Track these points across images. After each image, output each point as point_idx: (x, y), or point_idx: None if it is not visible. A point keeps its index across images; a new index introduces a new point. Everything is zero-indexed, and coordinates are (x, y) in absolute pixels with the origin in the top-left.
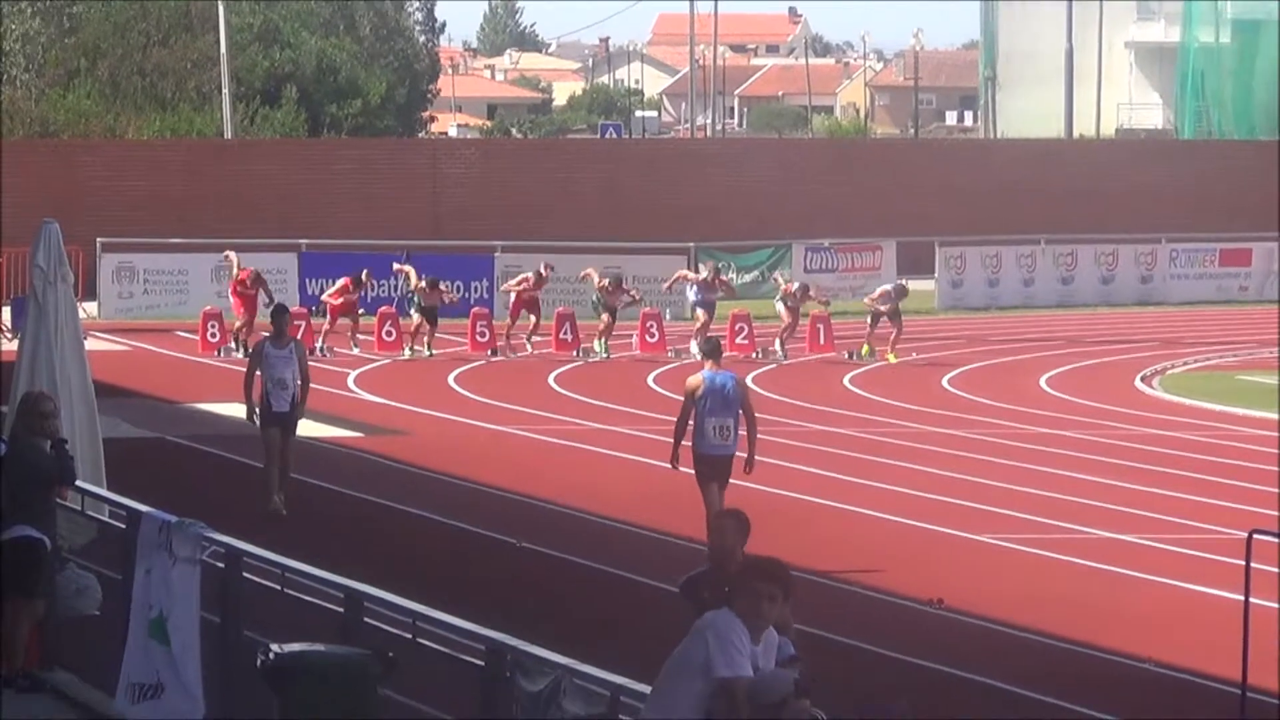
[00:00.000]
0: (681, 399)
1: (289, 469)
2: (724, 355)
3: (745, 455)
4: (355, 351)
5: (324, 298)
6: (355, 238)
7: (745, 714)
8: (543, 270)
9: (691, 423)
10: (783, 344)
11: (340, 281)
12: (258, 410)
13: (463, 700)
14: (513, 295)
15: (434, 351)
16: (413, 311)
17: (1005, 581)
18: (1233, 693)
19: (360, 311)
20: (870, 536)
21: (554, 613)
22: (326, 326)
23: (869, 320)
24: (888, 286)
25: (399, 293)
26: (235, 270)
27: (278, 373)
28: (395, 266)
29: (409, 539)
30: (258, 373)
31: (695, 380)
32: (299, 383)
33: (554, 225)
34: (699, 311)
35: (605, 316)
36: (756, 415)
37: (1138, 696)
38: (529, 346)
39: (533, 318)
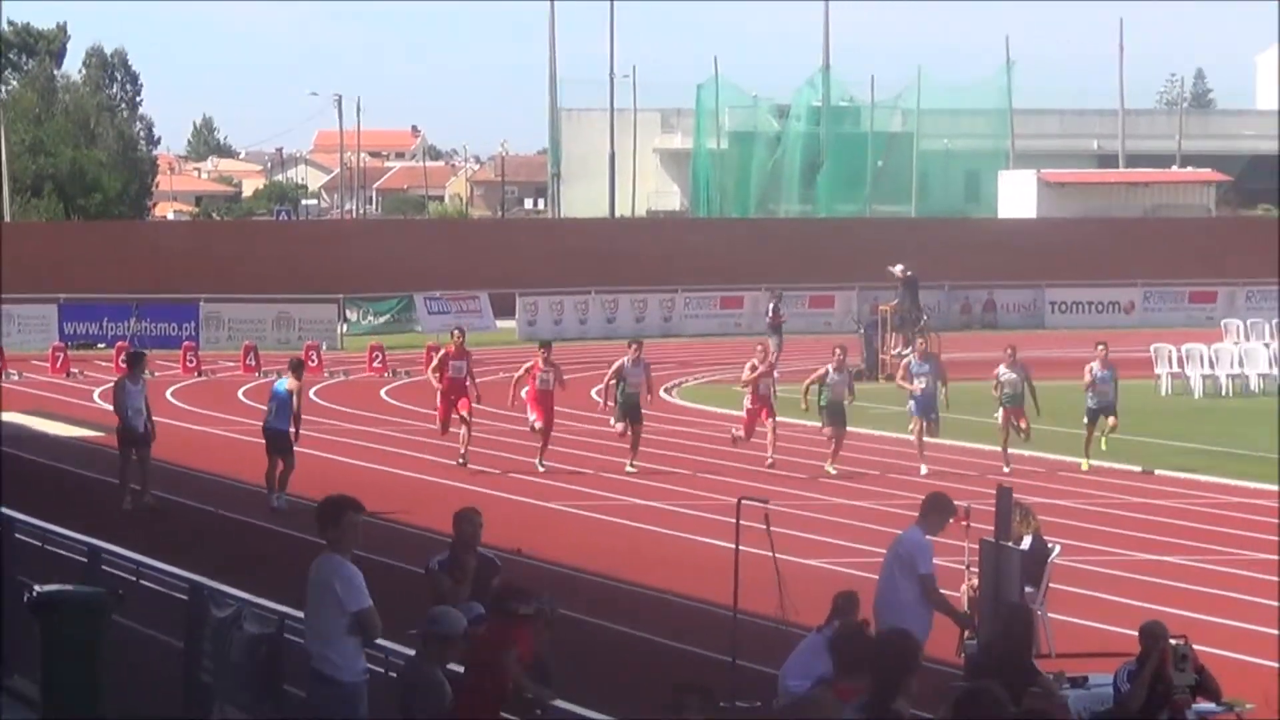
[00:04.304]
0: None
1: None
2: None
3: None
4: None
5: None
6: (101, 292)
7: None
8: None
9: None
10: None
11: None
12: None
13: (172, 624)
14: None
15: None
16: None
17: (563, 536)
18: (726, 614)
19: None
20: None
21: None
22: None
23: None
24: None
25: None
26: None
27: (135, 402)
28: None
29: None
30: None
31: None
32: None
33: (242, 283)
34: None
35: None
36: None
37: (661, 616)
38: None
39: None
